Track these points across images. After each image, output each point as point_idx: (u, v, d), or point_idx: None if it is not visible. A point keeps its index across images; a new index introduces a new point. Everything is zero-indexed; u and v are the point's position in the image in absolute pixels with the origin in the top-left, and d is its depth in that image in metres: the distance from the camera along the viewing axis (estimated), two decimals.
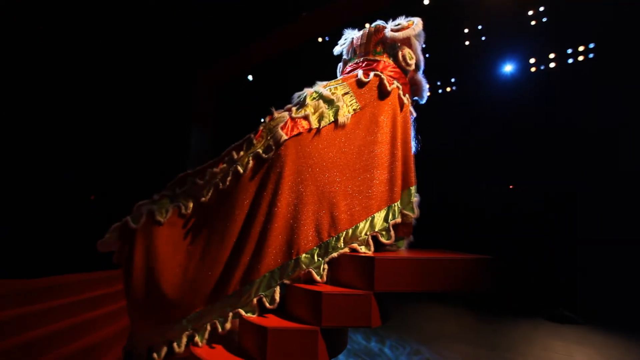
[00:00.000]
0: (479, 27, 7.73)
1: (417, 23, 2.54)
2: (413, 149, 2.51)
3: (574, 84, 7.01)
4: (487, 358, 3.83)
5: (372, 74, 2.40)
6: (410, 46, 2.55)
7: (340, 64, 2.87)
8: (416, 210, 2.28)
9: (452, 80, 8.69)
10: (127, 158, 5.84)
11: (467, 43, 7.93)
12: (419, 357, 3.78)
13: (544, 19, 7.24)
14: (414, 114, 2.62)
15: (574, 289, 5.82)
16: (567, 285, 5.94)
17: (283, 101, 2.50)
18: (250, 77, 6.79)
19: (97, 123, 5.50)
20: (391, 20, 2.66)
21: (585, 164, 6.51)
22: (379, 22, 2.63)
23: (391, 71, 2.47)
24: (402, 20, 2.59)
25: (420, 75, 2.67)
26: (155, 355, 1.89)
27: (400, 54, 2.51)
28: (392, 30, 2.51)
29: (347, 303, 1.79)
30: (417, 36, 2.55)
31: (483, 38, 7.80)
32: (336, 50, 2.84)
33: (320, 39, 7.03)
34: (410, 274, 1.87)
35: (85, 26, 5.23)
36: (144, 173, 5.74)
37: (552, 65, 7.47)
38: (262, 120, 2.33)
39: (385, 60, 2.51)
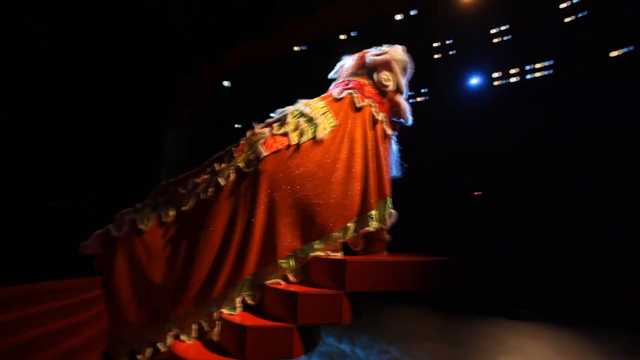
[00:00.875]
0: (448, 42, 8.27)
1: (395, 49, 2.80)
2: (392, 167, 2.76)
3: (534, 97, 7.69)
4: (451, 355, 4.14)
5: (345, 91, 2.64)
6: (389, 70, 2.77)
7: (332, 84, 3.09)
8: (388, 222, 2.51)
9: (423, 90, 9.19)
10: (105, 162, 5.75)
11: (437, 56, 8.46)
12: (388, 356, 4.03)
13: (506, 37, 7.89)
14: (389, 132, 2.81)
15: (529, 289, 6.36)
16: (523, 285, 6.47)
17: (263, 107, 2.64)
18: (226, 83, 6.89)
19: (71, 127, 5.39)
20: (376, 47, 2.91)
21: (543, 170, 7.12)
22: (367, 50, 2.88)
23: (366, 91, 2.70)
24: (385, 47, 2.84)
25: (401, 98, 2.84)
26: (139, 357, 2.00)
27: (376, 76, 2.74)
28: (372, 55, 2.76)
29: (321, 302, 1.99)
30: (396, 61, 2.77)
31: (452, 52, 8.34)
32: (331, 75, 3.06)
33: (297, 48, 7.27)
34: (376, 275, 2.10)
35: (54, 29, 5.15)
36: (121, 177, 5.68)
37: (513, 80, 8.13)
38: (237, 125, 2.50)
39: (361, 80, 2.75)
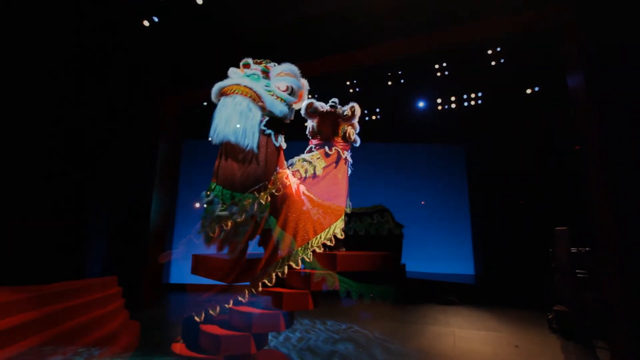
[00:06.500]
0: (399, 72, 10.39)
1: (352, 107, 4.53)
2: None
3: (468, 121, 10.29)
4: (399, 328, 6.01)
5: (334, 149, 4.41)
6: (352, 126, 4.58)
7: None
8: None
9: (377, 110, 11.43)
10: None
11: (389, 83, 10.55)
12: (352, 329, 5.79)
13: (446, 72, 10.19)
14: (349, 159, 4.63)
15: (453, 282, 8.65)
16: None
17: None
18: (205, 103, 8.16)
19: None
20: (336, 107, 4.63)
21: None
22: (334, 110, 4.58)
23: (341, 144, 4.54)
24: (346, 107, 4.55)
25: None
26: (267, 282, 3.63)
27: (346, 133, 4.54)
28: (343, 120, 4.50)
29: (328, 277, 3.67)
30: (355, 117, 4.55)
31: (402, 80, 10.49)
32: (307, 132, 4.78)
33: None
34: (357, 261, 3.84)
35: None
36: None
37: (453, 105, 10.58)
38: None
39: (339, 141, 4.55)
